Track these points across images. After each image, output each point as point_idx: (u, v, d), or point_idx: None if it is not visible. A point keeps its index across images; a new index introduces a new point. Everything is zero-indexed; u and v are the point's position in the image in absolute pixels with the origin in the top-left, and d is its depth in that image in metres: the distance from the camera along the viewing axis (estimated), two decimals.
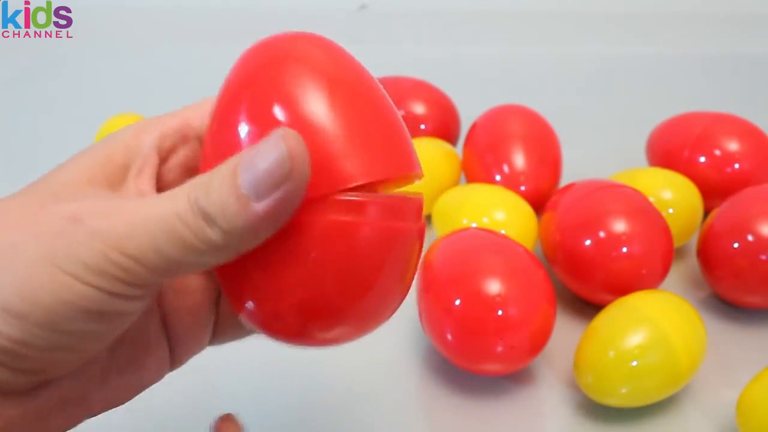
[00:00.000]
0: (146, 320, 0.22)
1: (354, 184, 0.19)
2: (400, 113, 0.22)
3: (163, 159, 0.22)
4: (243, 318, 0.21)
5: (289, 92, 0.19)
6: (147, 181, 0.21)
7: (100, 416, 0.21)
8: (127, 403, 0.22)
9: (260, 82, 0.20)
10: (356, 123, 0.19)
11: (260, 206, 0.18)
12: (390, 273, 0.20)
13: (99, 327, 0.18)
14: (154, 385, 0.23)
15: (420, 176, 0.22)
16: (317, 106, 0.19)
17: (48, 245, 0.17)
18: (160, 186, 0.22)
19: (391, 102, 0.21)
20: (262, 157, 0.18)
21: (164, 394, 0.25)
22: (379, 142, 0.20)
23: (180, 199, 0.18)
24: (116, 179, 0.21)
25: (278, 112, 0.19)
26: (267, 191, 0.17)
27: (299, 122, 0.19)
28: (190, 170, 0.23)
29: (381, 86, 0.21)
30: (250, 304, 0.20)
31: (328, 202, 0.19)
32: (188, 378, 0.26)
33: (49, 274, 0.17)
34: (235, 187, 0.18)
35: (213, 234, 0.18)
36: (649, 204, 0.38)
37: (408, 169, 0.21)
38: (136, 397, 0.23)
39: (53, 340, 0.18)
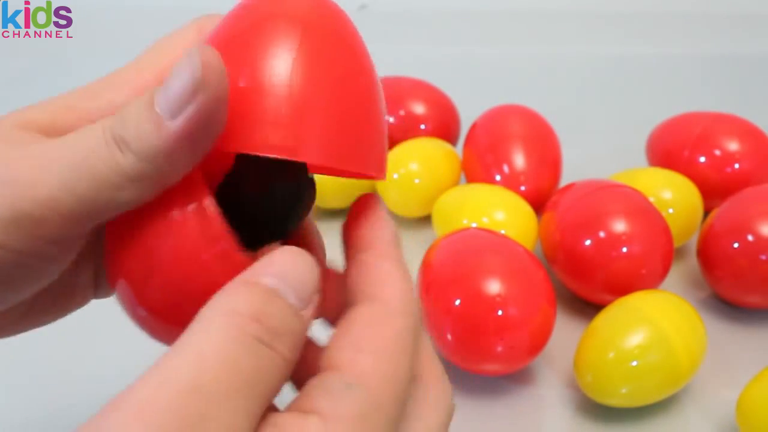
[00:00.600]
0: (76, 272, 0.21)
1: (273, 155, 0.17)
2: (388, 116, 0.21)
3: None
4: (116, 293, 0.19)
5: (264, 45, 0.18)
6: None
7: None
8: None
9: (246, 28, 0.18)
10: (320, 97, 0.18)
11: (174, 123, 0.16)
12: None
13: (10, 293, 0.18)
14: None
15: (379, 178, 0.20)
16: (284, 65, 0.18)
17: None
18: None
19: (380, 97, 0.20)
20: (175, 74, 0.17)
21: None
22: (339, 126, 0.18)
23: (94, 131, 0.17)
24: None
25: (245, 60, 0.18)
26: (180, 107, 0.16)
27: (259, 72, 0.18)
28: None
29: (375, 77, 0.20)
30: (121, 282, 0.19)
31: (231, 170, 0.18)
32: None
33: None
34: (150, 109, 0.17)
35: (127, 160, 0.17)
36: (649, 204, 0.38)
37: (361, 167, 0.19)
38: None
39: None
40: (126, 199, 0.17)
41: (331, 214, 0.47)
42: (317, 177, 0.21)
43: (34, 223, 0.16)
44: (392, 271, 0.19)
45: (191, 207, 0.18)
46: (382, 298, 0.18)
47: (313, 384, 0.16)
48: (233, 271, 0.17)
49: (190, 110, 0.16)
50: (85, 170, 0.17)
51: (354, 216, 0.20)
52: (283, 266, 0.17)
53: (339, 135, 0.18)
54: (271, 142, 0.17)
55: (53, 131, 0.19)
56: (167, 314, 0.18)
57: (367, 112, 0.19)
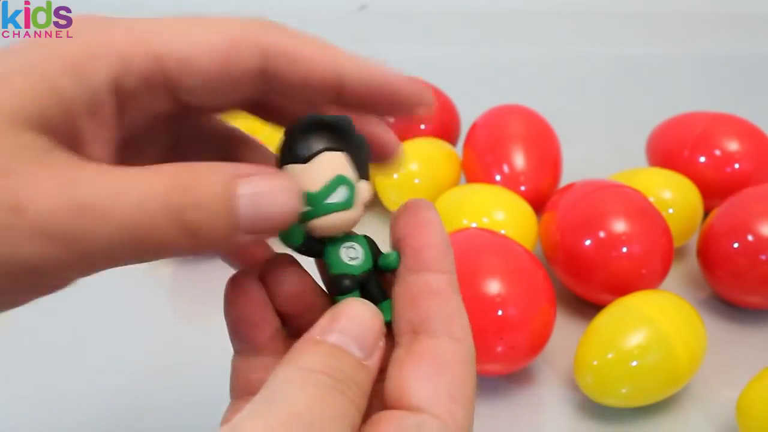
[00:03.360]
0: None
1: None
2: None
3: (120, 105, 0.18)
4: None
5: None
6: (104, 144, 0.18)
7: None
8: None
9: None
10: None
11: (246, 238, 0.17)
12: None
13: (25, 300, 0.18)
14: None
15: None
16: None
17: None
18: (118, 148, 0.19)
19: None
20: (266, 192, 0.17)
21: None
22: None
23: (158, 198, 0.16)
24: (58, 119, 0.17)
25: None
26: (262, 232, 0.17)
27: None
28: (149, 118, 0.20)
29: None
30: None
31: None
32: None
33: None
34: (233, 210, 0.17)
35: (185, 246, 0.17)
36: (649, 204, 0.38)
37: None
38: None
39: None
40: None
41: None
42: None
43: (63, 264, 0.16)
44: (457, 301, 0.20)
45: None
46: (453, 335, 0.19)
47: (409, 423, 0.17)
48: None
49: (267, 234, 0.18)
50: (135, 244, 0.16)
51: (405, 221, 0.21)
52: (345, 322, 0.18)
53: None
54: None
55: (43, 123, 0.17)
56: None
57: None
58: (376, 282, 0.21)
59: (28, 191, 0.16)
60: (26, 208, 0.15)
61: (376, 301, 0.20)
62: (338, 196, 0.20)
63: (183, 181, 0.16)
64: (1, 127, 0.16)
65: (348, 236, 0.21)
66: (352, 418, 0.17)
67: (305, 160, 0.20)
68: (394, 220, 0.21)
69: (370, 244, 0.21)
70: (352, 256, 0.21)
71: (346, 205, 0.20)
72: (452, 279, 0.20)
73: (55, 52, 0.17)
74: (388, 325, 0.20)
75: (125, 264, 0.17)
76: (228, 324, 0.21)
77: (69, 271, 0.17)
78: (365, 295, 0.20)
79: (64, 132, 0.17)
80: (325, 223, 0.20)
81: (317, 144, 0.20)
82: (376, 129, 0.21)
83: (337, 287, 0.20)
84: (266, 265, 0.21)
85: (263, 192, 0.17)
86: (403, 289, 0.20)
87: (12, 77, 0.17)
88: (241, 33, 0.19)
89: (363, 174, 0.20)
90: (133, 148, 0.21)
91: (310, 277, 0.22)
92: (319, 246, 0.21)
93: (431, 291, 0.20)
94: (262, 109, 0.22)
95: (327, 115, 0.20)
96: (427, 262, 0.20)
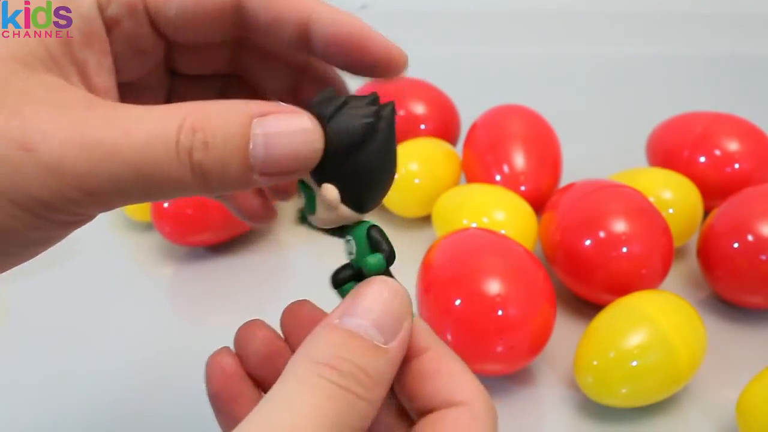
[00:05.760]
0: None
1: None
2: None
3: (107, 32, 0.19)
4: None
5: None
6: (105, 75, 0.19)
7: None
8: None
9: None
10: None
11: (263, 180, 0.17)
12: None
13: (41, 247, 0.18)
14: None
15: None
16: None
17: None
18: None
19: None
20: (281, 133, 0.17)
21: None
22: None
23: (166, 138, 0.16)
24: (59, 53, 0.18)
25: None
26: (278, 174, 0.17)
27: None
28: (138, 53, 0.20)
29: None
30: None
31: None
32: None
33: None
34: (244, 151, 0.17)
35: (196, 188, 0.17)
36: (649, 204, 0.38)
37: None
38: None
39: None
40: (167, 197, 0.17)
41: None
42: None
43: (77, 205, 0.16)
44: (456, 369, 0.19)
45: None
46: (466, 402, 0.19)
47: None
48: None
49: (285, 174, 0.17)
50: (146, 181, 0.16)
51: None
52: (365, 303, 0.18)
53: None
54: None
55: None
56: None
57: None
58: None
59: (37, 131, 0.16)
60: (36, 147, 0.16)
61: None
62: (306, 202, 0.20)
63: (193, 121, 0.16)
64: (12, 69, 0.16)
65: (354, 228, 0.20)
66: (361, 415, 0.17)
67: None
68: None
69: (369, 239, 0.20)
70: (350, 251, 0.21)
71: (308, 210, 0.20)
72: (434, 352, 0.19)
73: None
74: None
75: (140, 201, 0.17)
76: (211, 404, 0.22)
77: (83, 207, 0.17)
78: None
79: (66, 65, 0.18)
80: (313, 220, 0.20)
81: None
82: (374, 42, 0.21)
83: (333, 279, 0.20)
84: (237, 331, 0.22)
85: (279, 132, 0.17)
86: (396, 384, 0.20)
87: None
88: None
89: (332, 178, 0.19)
90: (130, 98, 0.20)
91: (281, 339, 0.22)
92: (339, 234, 0.21)
93: (420, 373, 0.19)
94: (241, 59, 0.23)
95: (314, 100, 0.19)
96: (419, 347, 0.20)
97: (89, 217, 0.18)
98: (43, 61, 0.17)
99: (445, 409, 0.19)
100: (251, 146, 0.17)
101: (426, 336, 0.20)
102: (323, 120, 0.18)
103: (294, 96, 0.24)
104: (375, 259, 0.19)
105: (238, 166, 0.17)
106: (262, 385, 0.22)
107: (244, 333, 0.22)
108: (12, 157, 0.16)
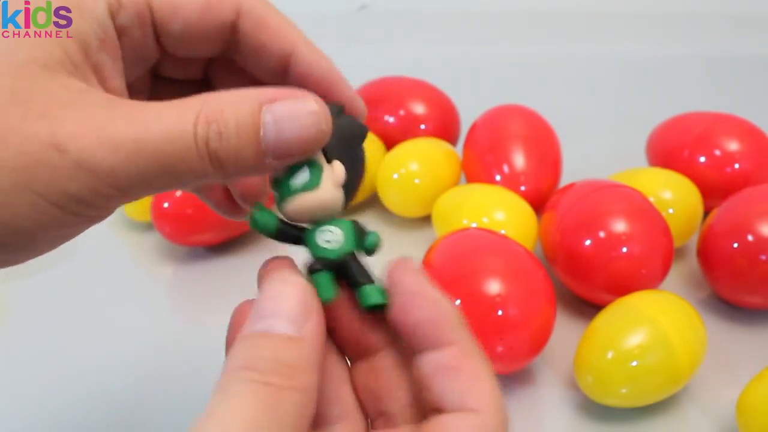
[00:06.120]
0: None
1: None
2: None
3: (118, 38, 0.21)
4: None
5: None
6: (119, 77, 0.20)
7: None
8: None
9: None
10: None
11: (276, 163, 0.18)
12: None
13: (62, 241, 0.19)
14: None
15: None
16: None
17: (29, 174, 0.17)
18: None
19: None
20: (289, 117, 0.18)
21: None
22: None
23: (183, 131, 0.17)
24: (79, 57, 0.19)
25: None
26: (289, 156, 0.18)
27: None
28: (138, 60, 0.22)
29: None
30: None
31: None
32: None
33: (31, 204, 0.17)
34: (256, 138, 0.18)
35: (216, 175, 0.18)
36: (649, 204, 0.38)
37: None
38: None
39: (20, 253, 0.18)
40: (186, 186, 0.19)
41: None
42: None
43: (106, 200, 0.18)
44: (477, 372, 0.19)
45: None
46: (477, 410, 0.18)
47: None
48: None
49: (296, 157, 0.19)
50: (169, 171, 0.17)
51: (398, 296, 0.20)
52: (265, 304, 0.18)
53: None
54: None
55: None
56: None
57: None
58: (359, 265, 0.21)
59: (66, 132, 0.17)
60: (68, 147, 0.17)
61: (358, 284, 0.20)
62: (302, 177, 0.20)
63: (207, 113, 0.18)
64: (36, 73, 0.18)
65: (332, 221, 0.21)
66: (294, 405, 0.17)
67: None
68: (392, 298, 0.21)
69: (356, 228, 0.21)
70: (327, 239, 0.20)
71: (310, 185, 0.20)
72: (457, 349, 0.19)
73: None
74: (381, 309, 0.20)
75: (164, 190, 0.19)
76: (225, 354, 0.21)
77: (112, 200, 0.18)
78: (346, 277, 0.20)
79: (86, 69, 0.19)
80: (293, 205, 0.20)
81: None
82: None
83: (309, 269, 0.20)
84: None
85: (287, 116, 0.18)
86: (415, 371, 0.20)
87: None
88: None
89: (341, 155, 0.20)
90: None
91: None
92: (297, 232, 0.21)
93: (437, 369, 0.19)
94: (223, 70, 0.24)
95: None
96: (424, 341, 0.19)
97: (111, 211, 0.19)
98: (64, 65, 0.18)
99: (454, 413, 0.18)
100: (262, 133, 0.18)
101: (454, 329, 0.19)
102: (333, 112, 0.20)
103: None
104: (374, 236, 0.21)
105: (252, 153, 0.18)
106: None
107: (240, 313, 0.22)
108: (46, 157, 0.17)
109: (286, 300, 0.18)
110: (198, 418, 0.16)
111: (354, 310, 0.21)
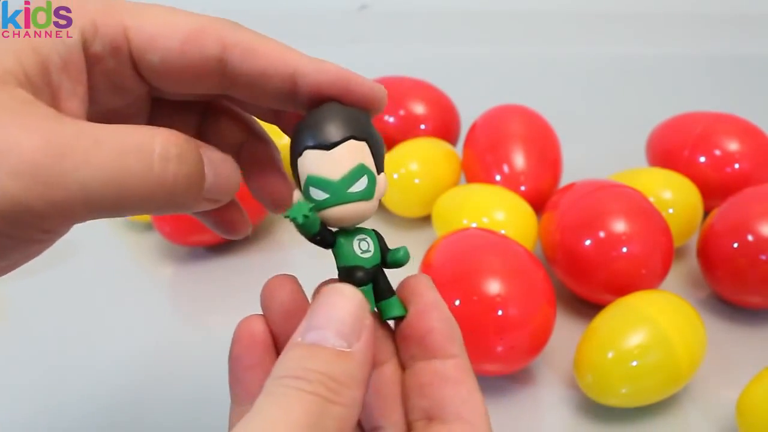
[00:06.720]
0: None
1: None
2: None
3: (88, 66, 0.20)
4: None
5: None
6: (78, 101, 0.19)
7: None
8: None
9: None
10: None
11: (205, 204, 0.20)
12: None
13: (16, 265, 0.19)
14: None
15: None
16: None
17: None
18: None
19: None
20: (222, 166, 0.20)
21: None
22: None
23: (141, 148, 0.17)
24: (35, 72, 0.18)
25: None
26: (217, 196, 0.20)
27: None
28: (118, 89, 0.21)
29: None
30: None
31: None
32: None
33: None
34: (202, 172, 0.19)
35: (162, 199, 0.18)
36: (649, 204, 0.38)
37: None
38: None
39: None
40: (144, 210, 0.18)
41: None
42: None
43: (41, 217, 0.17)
44: (474, 387, 0.20)
45: None
46: (468, 420, 0.19)
47: None
48: None
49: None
50: (111, 188, 0.17)
51: (416, 304, 0.21)
52: (322, 315, 0.18)
53: None
54: None
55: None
56: None
57: None
58: (385, 277, 0.21)
59: (8, 136, 0.16)
60: (8, 151, 0.16)
61: (384, 297, 0.20)
62: (360, 185, 0.19)
63: (168, 134, 0.18)
64: None
65: (359, 229, 0.20)
66: (338, 419, 0.17)
67: (329, 146, 0.19)
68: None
69: (379, 239, 0.21)
70: (364, 248, 0.20)
71: (367, 195, 0.20)
72: (460, 362, 0.20)
73: None
74: (398, 321, 0.21)
75: (103, 216, 0.18)
76: (229, 366, 0.22)
77: (46, 219, 0.17)
78: (375, 289, 0.20)
79: (41, 86, 0.18)
80: (343, 212, 0.20)
81: (343, 131, 0.19)
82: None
83: (352, 279, 0.20)
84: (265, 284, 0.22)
85: (218, 162, 0.19)
86: (413, 378, 0.20)
87: None
88: (205, 24, 0.20)
89: (380, 168, 0.20)
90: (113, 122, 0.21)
91: (306, 300, 0.22)
92: (332, 237, 0.20)
93: (440, 378, 0.20)
94: (225, 110, 0.24)
95: (349, 105, 0.20)
96: (433, 349, 0.20)
97: (50, 236, 0.18)
98: (18, 78, 0.18)
99: (452, 423, 0.19)
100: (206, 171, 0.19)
101: (457, 345, 0.20)
102: (364, 119, 0.20)
103: (276, 117, 0.24)
104: (403, 251, 0.21)
105: (199, 185, 0.19)
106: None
107: (272, 285, 0.22)
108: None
109: (340, 312, 0.18)
110: (242, 420, 0.16)
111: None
